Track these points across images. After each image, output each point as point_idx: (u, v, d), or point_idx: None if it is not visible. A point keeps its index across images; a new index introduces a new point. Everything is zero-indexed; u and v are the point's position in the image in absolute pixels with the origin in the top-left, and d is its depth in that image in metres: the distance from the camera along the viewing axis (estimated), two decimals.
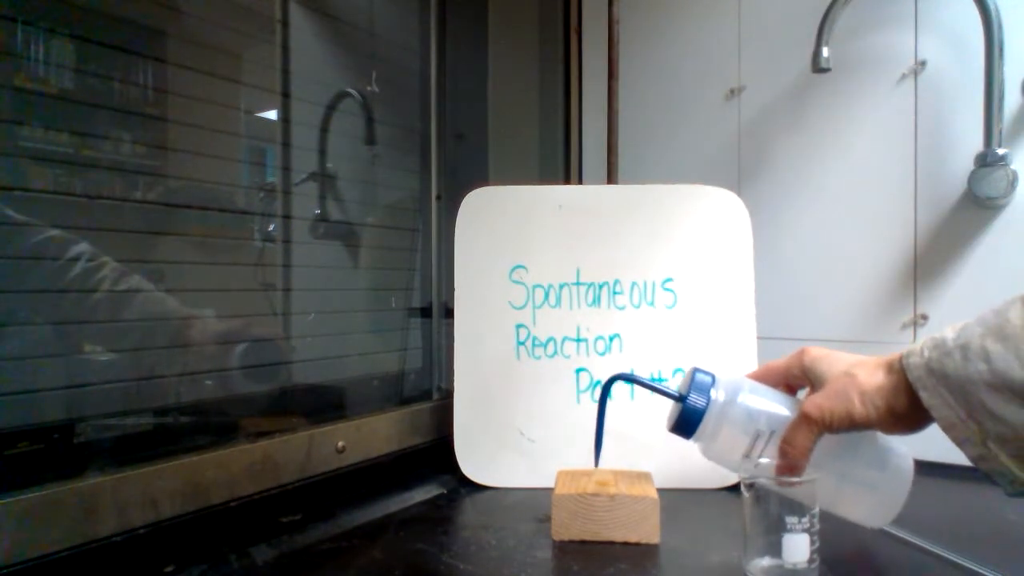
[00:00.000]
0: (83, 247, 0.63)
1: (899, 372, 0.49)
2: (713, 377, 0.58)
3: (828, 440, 0.52)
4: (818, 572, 0.50)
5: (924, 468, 0.80)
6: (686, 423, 0.57)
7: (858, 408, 0.50)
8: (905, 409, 0.49)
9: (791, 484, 0.51)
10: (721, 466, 0.59)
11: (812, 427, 0.51)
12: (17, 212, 0.59)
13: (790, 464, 0.52)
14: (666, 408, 0.66)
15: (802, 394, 0.58)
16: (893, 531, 0.60)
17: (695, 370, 0.58)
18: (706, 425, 0.56)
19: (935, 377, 0.47)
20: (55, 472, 0.51)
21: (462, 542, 0.60)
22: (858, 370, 0.51)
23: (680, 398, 0.57)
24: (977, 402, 0.45)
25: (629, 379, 0.63)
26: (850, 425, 0.50)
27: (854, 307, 0.90)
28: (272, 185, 0.86)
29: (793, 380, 0.59)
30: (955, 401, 0.46)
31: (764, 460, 0.54)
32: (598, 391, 0.77)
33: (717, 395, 0.57)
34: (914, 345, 0.49)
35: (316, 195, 0.92)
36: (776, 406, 0.56)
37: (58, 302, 0.63)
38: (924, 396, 0.47)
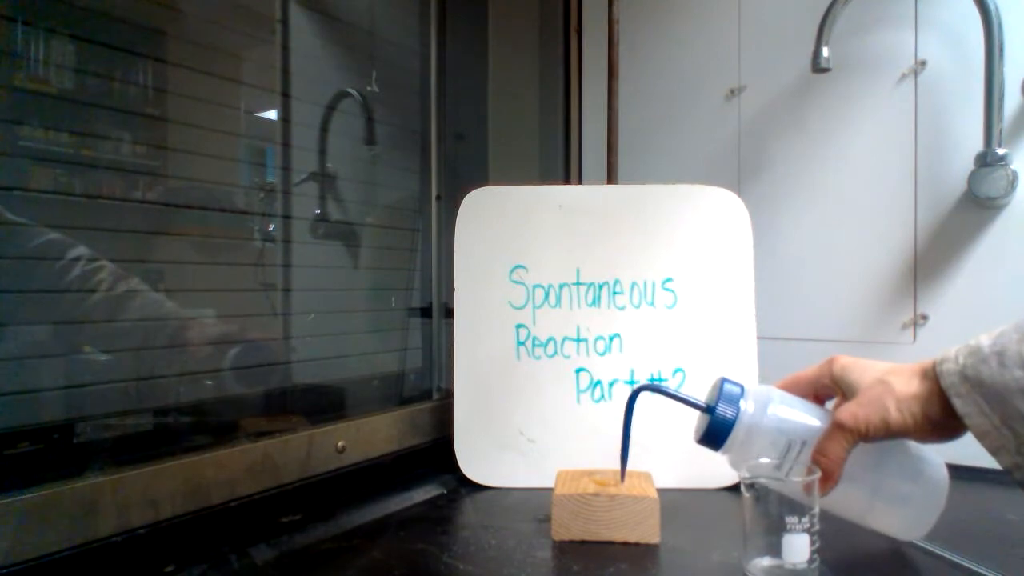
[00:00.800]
0: (82, 250, 0.63)
1: (933, 379, 0.48)
2: (742, 387, 0.56)
3: (860, 452, 0.51)
4: (818, 572, 0.50)
5: None
6: (715, 435, 0.55)
7: (894, 416, 0.49)
8: (940, 417, 0.48)
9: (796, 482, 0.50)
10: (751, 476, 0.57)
11: (847, 436, 0.50)
12: (16, 214, 0.59)
13: (824, 475, 0.51)
14: (666, 409, 0.66)
15: (830, 405, 0.58)
16: None
17: (723, 380, 0.57)
18: (736, 437, 0.55)
19: (969, 384, 0.46)
20: (54, 471, 0.51)
21: (462, 542, 0.60)
22: (892, 377, 0.50)
23: (708, 409, 0.56)
24: (1013, 410, 0.44)
25: (655, 389, 0.61)
26: (886, 433, 0.49)
27: (854, 307, 0.89)
28: (272, 185, 0.86)
29: (822, 390, 0.58)
30: (990, 409, 0.45)
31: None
32: (598, 391, 0.77)
33: (746, 406, 0.55)
34: (948, 351, 0.49)
35: (316, 195, 0.92)
36: (807, 416, 0.55)
37: (56, 303, 0.63)
38: (958, 404, 0.46)
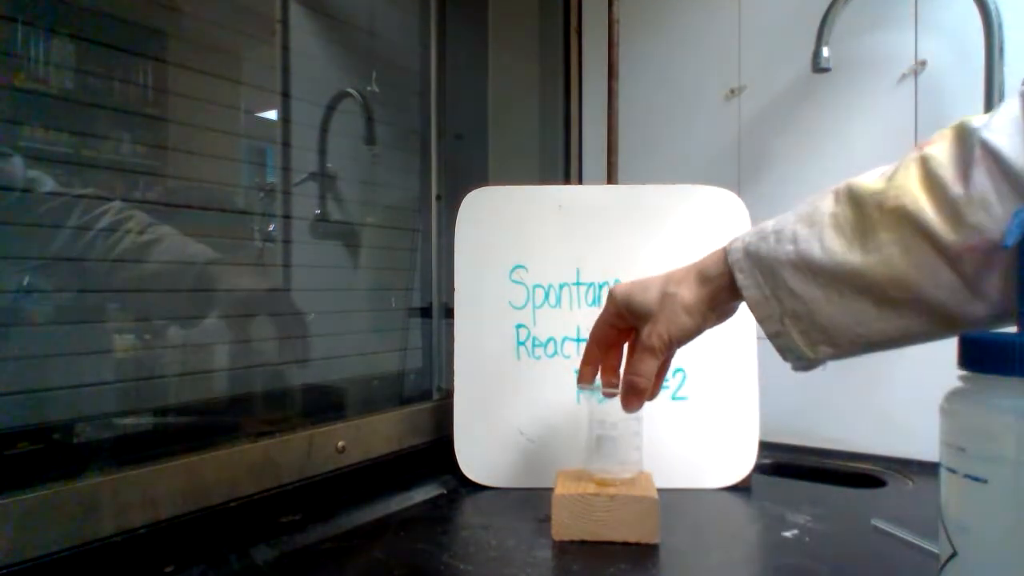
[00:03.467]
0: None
1: (718, 276, 0.53)
2: None
3: None
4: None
5: (925, 468, 0.80)
6: None
7: (688, 322, 0.54)
8: (725, 303, 0.54)
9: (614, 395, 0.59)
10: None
11: (655, 353, 0.55)
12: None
13: (639, 391, 0.56)
14: (666, 409, 0.66)
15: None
16: (893, 531, 0.60)
17: None
18: None
19: (751, 259, 0.50)
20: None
21: (462, 542, 0.60)
22: (673, 288, 0.55)
23: None
24: (781, 280, 0.49)
25: None
26: (687, 338, 0.55)
27: None
28: (272, 185, 0.86)
29: (623, 324, 0.59)
30: (763, 280, 0.50)
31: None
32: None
33: None
34: (739, 234, 0.53)
35: (316, 195, 0.92)
36: None
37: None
38: (739, 277, 0.51)
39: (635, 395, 0.57)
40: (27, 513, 0.47)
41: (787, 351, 0.50)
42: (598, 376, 0.62)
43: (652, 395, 0.58)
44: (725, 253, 0.53)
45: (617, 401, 0.58)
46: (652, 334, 0.55)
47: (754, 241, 0.51)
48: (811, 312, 0.48)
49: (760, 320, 0.50)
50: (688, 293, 0.54)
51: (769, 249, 0.49)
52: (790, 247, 0.48)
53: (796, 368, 0.51)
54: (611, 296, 0.59)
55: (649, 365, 0.55)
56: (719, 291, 0.53)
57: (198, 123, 0.76)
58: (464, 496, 0.73)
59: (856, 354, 0.49)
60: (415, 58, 0.99)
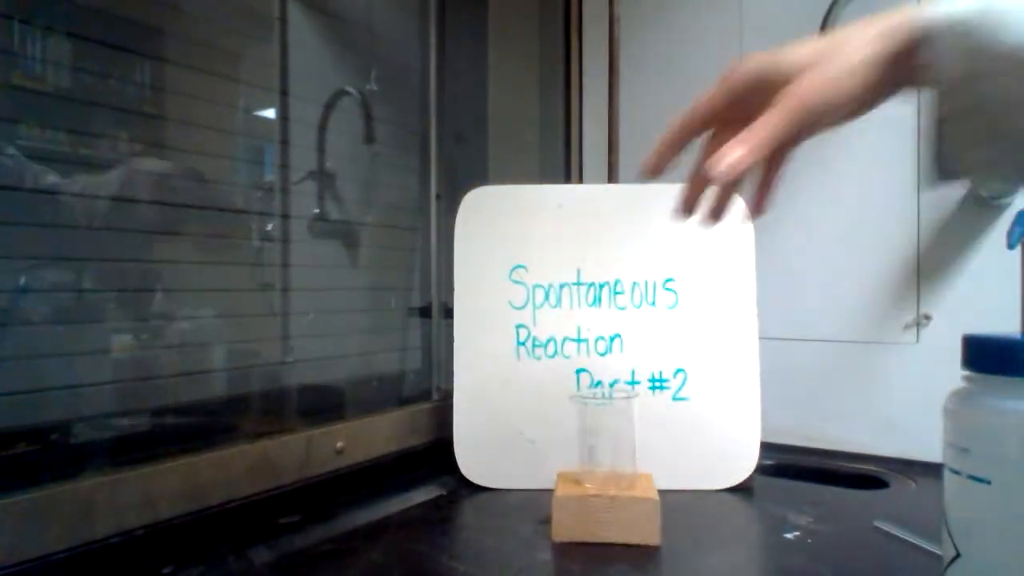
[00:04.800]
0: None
1: (904, 41, 0.40)
2: None
3: None
4: None
5: (928, 469, 0.80)
6: None
7: (846, 84, 0.41)
8: (898, 77, 0.42)
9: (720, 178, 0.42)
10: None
11: (790, 114, 0.41)
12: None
13: (742, 158, 0.41)
14: (666, 410, 0.66)
15: None
16: (896, 532, 0.60)
17: None
18: None
19: (954, 31, 0.38)
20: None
21: (462, 543, 0.60)
22: (842, 38, 0.42)
23: None
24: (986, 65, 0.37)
25: None
26: (834, 112, 0.43)
27: (856, 307, 0.89)
28: (270, 184, 0.86)
29: (745, 100, 0.45)
30: (965, 60, 0.37)
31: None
32: (599, 392, 0.77)
33: None
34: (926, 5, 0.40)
35: (315, 194, 0.91)
36: None
37: None
38: (933, 47, 0.38)
39: (738, 158, 0.41)
40: (26, 513, 0.47)
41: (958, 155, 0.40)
42: (586, 388, 0.60)
43: (763, 195, 0.44)
44: (910, 21, 0.39)
45: (609, 409, 0.56)
46: (790, 93, 0.40)
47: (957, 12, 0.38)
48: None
49: (949, 110, 0.40)
50: (859, 46, 0.40)
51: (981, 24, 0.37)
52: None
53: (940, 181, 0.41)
54: (744, 62, 0.44)
55: (772, 128, 0.40)
56: (900, 57, 0.40)
57: (195, 121, 0.76)
58: (464, 497, 0.73)
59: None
60: (415, 57, 0.99)
